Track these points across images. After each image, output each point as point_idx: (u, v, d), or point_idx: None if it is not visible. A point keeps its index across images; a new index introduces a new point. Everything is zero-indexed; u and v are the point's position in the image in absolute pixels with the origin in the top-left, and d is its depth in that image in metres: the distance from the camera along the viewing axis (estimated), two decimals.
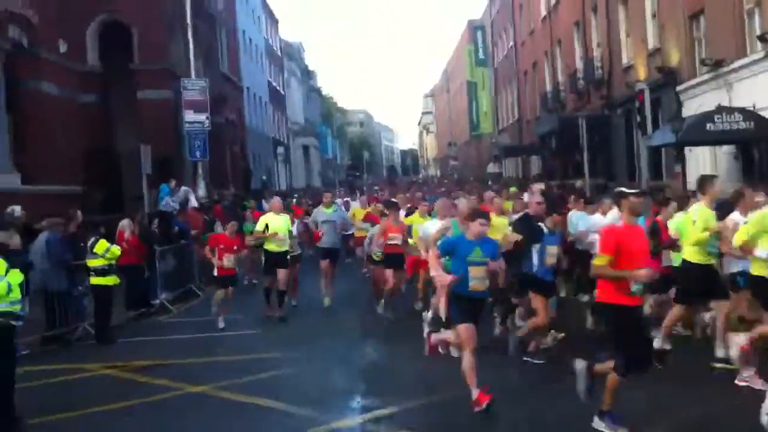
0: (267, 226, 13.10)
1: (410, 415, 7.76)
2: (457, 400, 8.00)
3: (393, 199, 16.54)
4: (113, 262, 12.43)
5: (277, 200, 14.28)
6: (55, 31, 22.52)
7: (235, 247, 13.13)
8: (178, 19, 26.13)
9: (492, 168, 51.99)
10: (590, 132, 25.31)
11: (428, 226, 11.07)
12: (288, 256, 13.27)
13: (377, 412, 7.77)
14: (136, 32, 24.68)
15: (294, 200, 26.05)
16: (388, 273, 12.49)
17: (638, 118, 21.65)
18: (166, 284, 15.50)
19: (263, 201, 23.71)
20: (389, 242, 12.56)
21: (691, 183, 19.63)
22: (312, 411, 7.88)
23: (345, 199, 22.36)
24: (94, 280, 12.34)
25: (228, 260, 12.81)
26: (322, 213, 14.45)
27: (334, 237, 14.30)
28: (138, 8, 24.40)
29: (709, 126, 17.12)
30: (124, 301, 14.11)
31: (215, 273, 12.96)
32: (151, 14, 24.64)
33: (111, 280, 12.46)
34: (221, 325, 12.63)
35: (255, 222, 16.81)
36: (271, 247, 13.14)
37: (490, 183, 33.36)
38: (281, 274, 13.02)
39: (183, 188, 21.90)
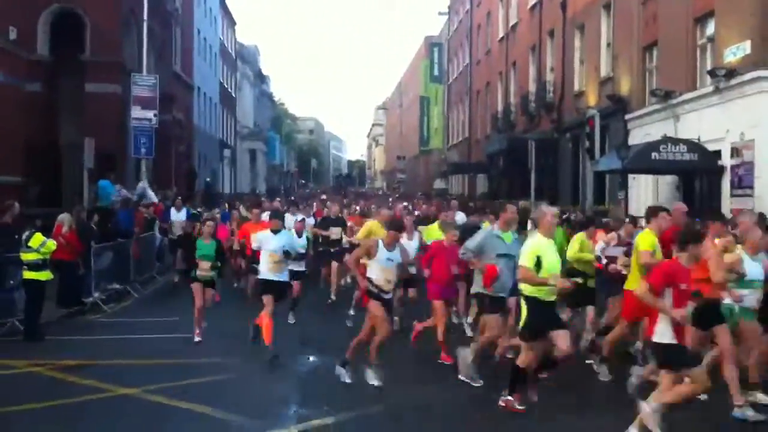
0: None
1: (346, 425, 7.66)
2: (394, 412, 7.94)
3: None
4: (47, 256, 12.04)
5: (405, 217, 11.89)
6: (6, 17, 21.88)
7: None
8: (132, 14, 25.70)
9: (438, 184, 52.29)
10: (538, 154, 25.65)
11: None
12: None
13: (313, 422, 7.65)
14: (89, 23, 24.12)
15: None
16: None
17: (587, 144, 21.99)
18: (100, 282, 15.09)
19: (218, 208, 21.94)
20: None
21: (633, 209, 20.07)
22: (245, 418, 7.72)
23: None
24: (27, 275, 11.92)
25: None
26: (497, 240, 9.09)
27: (510, 279, 8.91)
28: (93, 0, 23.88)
29: (654, 155, 17.46)
30: (55, 298, 13.65)
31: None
32: (106, 7, 24.08)
33: (44, 275, 12.06)
34: None
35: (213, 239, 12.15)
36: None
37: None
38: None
39: (140, 183, 21.65)
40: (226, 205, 23.73)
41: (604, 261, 10.15)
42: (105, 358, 10.45)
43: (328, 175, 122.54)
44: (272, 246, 10.60)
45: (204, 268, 11.61)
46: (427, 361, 10.09)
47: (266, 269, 10.59)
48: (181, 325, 12.77)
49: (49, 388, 8.87)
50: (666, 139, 17.86)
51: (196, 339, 11.42)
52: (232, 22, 58.81)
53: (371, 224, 12.97)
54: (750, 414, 7.52)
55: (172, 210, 19.28)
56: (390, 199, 35.17)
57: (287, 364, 10.15)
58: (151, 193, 21.05)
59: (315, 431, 7.46)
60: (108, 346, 11.47)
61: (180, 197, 21.15)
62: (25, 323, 11.92)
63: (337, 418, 7.77)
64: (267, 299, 10.48)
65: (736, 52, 16.40)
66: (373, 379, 8.84)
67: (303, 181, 75.66)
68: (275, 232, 10.73)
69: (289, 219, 15.70)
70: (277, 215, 11.66)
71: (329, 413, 7.87)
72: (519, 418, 7.72)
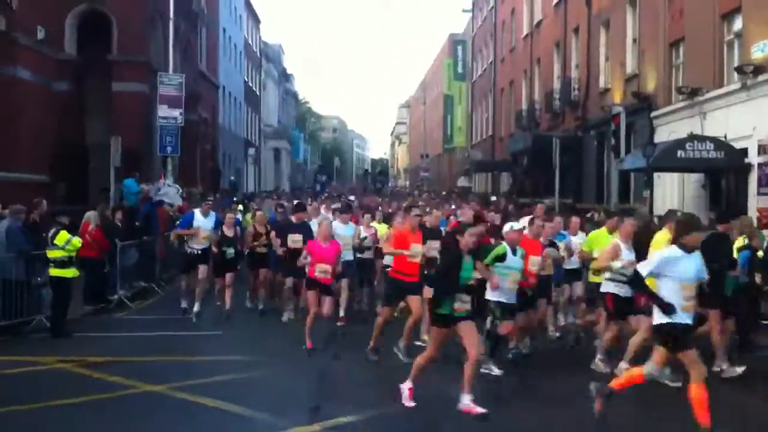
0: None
1: (370, 424, 7.67)
2: (418, 412, 7.92)
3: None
4: (73, 254, 12.17)
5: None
6: (34, 17, 22.22)
7: None
8: (159, 13, 25.93)
9: (462, 182, 52.10)
10: (562, 152, 25.47)
11: None
12: None
13: (337, 420, 7.64)
14: (115, 23, 24.45)
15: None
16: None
17: (612, 141, 21.83)
18: (126, 280, 15.23)
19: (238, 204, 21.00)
20: None
21: (658, 208, 19.90)
22: (270, 416, 7.74)
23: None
24: (54, 272, 12.06)
25: None
26: None
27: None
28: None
29: (680, 153, 17.26)
30: (81, 295, 13.80)
31: None
32: (132, 6, 24.46)
33: (70, 272, 12.18)
34: None
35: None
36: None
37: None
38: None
39: (162, 184, 21.71)
40: (240, 208, 20.13)
41: None
42: (131, 354, 10.56)
43: (351, 173, 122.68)
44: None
45: (465, 300, 7.90)
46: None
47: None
48: (206, 323, 12.88)
49: (76, 385, 8.95)
50: (692, 137, 17.63)
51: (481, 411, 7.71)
52: (256, 21, 59.10)
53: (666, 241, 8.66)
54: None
55: (196, 213, 13.83)
56: (418, 196, 34.93)
57: (311, 362, 10.17)
58: (172, 193, 20.89)
59: (339, 428, 7.46)
60: (134, 343, 11.57)
61: (210, 200, 16.45)
62: (52, 320, 12.07)
63: (362, 415, 7.78)
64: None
65: (763, 48, 16.18)
66: None
67: (325, 178, 74.66)
68: None
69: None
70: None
71: (354, 412, 7.87)
72: (537, 414, 7.68)
